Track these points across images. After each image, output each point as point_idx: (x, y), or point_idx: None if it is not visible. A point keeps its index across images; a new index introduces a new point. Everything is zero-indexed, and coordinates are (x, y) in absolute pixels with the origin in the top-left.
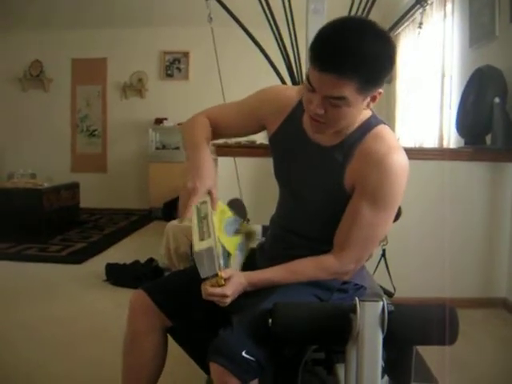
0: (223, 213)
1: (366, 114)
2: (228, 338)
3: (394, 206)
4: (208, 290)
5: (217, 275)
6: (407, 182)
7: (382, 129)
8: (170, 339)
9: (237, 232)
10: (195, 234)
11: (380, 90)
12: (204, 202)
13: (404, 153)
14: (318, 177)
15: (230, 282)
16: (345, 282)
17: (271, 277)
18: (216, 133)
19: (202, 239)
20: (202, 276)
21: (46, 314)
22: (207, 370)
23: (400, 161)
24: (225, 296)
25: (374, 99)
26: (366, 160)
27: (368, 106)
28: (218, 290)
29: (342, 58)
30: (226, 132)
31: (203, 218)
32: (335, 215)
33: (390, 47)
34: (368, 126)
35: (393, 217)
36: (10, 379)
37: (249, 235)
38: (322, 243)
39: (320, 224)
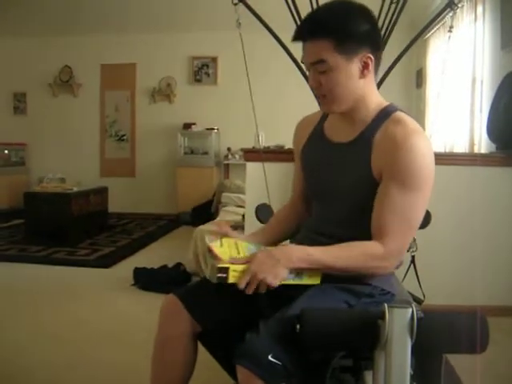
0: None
1: (382, 102)
2: (254, 342)
3: (423, 187)
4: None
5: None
6: (437, 188)
7: (401, 114)
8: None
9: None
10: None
11: (368, 55)
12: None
13: (426, 137)
14: (345, 175)
15: (252, 259)
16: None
17: (319, 258)
18: (307, 201)
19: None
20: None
21: (72, 318)
22: (236, 377)
23: (423, 142)
24: (253, 274)
25: (366, 66)
26: (389, 144)
27: (362, 74)
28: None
29: (313, 23)
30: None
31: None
32: (364, 213)
33: (361, 8)
34: (386, 114)
35: (425, 199)
36: (35, 381)
37: None
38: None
39: (348, 224)
